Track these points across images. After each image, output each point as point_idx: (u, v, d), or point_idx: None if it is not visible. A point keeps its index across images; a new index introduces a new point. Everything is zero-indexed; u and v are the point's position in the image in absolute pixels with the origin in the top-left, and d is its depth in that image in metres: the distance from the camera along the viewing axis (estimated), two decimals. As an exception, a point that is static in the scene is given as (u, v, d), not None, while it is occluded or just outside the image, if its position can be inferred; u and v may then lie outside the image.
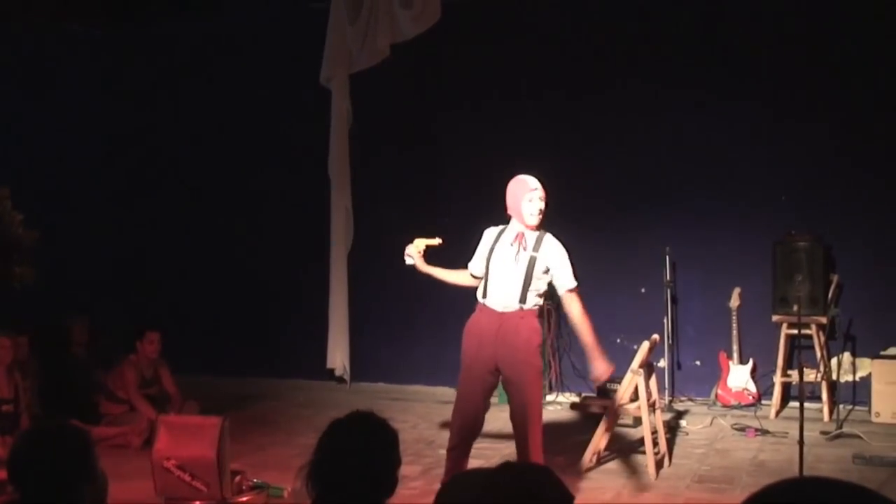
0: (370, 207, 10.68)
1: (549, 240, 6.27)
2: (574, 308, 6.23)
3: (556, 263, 6.19)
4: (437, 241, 6.46)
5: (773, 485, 1.49)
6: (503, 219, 10.33)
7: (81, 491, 3.12)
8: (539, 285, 6.19)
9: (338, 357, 10.87)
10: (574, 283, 6.23)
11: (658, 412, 7.83)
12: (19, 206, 8.67)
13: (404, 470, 6.81)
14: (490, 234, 6.44)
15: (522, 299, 6.12)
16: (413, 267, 6.50)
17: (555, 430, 9.00)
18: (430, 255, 6.51)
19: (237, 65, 11.42)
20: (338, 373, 10.91)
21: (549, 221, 10.37)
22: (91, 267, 11.44)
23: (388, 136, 10.83)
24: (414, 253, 6.47)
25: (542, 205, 6.34)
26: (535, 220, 6.24)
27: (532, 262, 6.16)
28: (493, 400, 6.50)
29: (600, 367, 6.26)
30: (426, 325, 10.43)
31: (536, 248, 6.21)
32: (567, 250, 6.29)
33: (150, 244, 11.68)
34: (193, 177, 11.63)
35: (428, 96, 10.76)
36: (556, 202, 10.36)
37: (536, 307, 6.20)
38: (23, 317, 9.24)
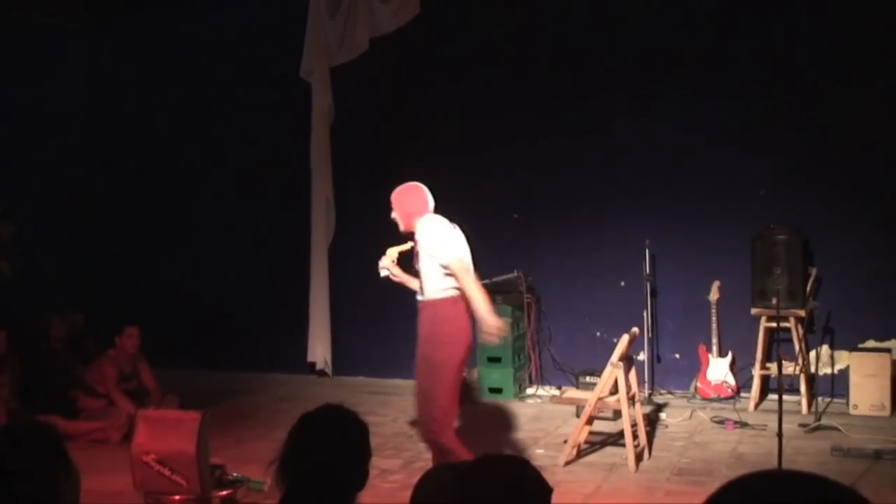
0: (351, 200, 10.67)
1: (420, 224, 6.29)
2: (459, 283, 6.17)
3: (429, 245, 6.18)
4: (408, 245, 6.43)
5: (744, 477, 1.49)
6: (483, 214, 10.40)
7: (57, 488, 3.09)
8: (432, 273, 6.20)
9: (319, 350, 10.85)
10: (447, 259, 6.13)
11: (638, 405, 7.83)
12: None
13: (384, 464, 6.83)
14: None
15: (422, 291, 6.24)
16: (388, 278, 6.50)
17: (535, 424, 9.01)
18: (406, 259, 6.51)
19: (218, 58, 11.37)
20: (319, 366, 10.88)
21: (531, 214, 10.41)
22: (69, 261, 11.38)
23: (368, 129, 10.80)
24: (388, 263, 6.48)
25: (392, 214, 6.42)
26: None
27: (418, 253, 6.25)
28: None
29: (491, 320, 6.12)
30: (408, 319, 10.36)
31: (418, 236, 6.28)
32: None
33: (129, 238, 11.62)
34: (172, 170, 11.58)
35: (408, 89, 10.74)
36: (537, 196, 10.42)
37: (442, 297, 6.18)
38: (1, 312, 9.19)
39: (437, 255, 6.14)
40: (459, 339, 6.23)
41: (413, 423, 6.55)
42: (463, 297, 6.26)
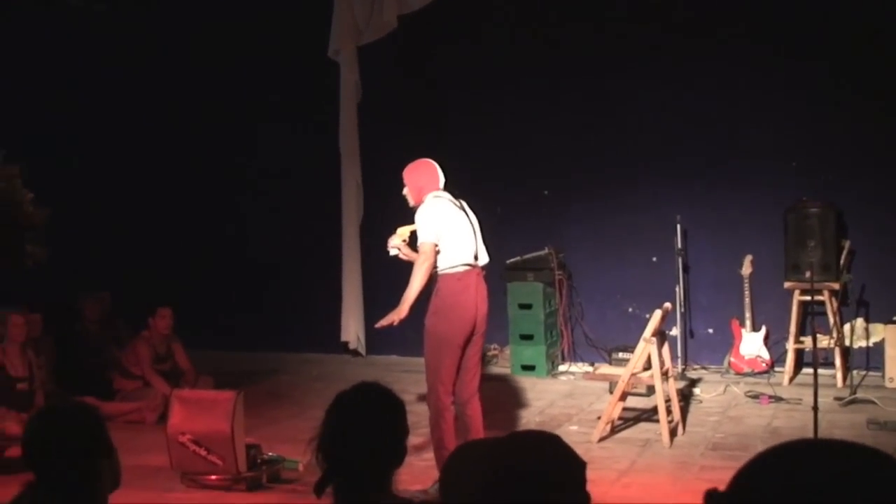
0: (382, 180, 10.63)
1: (422, 202, 6.52)
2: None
3: (417, 222, 6.47)
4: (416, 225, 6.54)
5: (782, 445, 1.48)
6: (513, 191, 10.38)
7: (98, 468, 3.13)
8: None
9: (352, 329, 10.88)
10: (420, 239, 6.42)
11: (671, 380, 7.83)
12: (29, 184, 8.67)
13: (418, 441, 6.85)
14: None
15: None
16: (397, 257, 6.62)
17: (568, 401, 9.02)
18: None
19: (245, 38, 11.36)
20: (352, 346, 10.92)
21: (561, 190, 10.38)
22: (103, 243, 11.45)
23: (396, 108, 10.78)
24: (398, 242, 6.60)
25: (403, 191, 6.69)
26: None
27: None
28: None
29: (400, 310, 6.47)
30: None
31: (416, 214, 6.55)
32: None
33: (162, 219, 11.66)
34: (204, 151, 11.60)
35: (437, 67, 10.70)
36: (567, 172, 10.38)
37: (446, 272, 6.41)
38: (36, 294, 9.27)
39: (418, 232, 6.41)
40: (461, 313, 6.39)
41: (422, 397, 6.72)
42: (471, 273, 6.38)
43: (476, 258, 6.48)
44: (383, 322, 6.55)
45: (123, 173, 11.69)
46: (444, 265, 6.37)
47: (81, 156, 11.62)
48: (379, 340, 10.80)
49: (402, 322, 6.55)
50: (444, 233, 6.36)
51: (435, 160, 6.66)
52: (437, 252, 6.35)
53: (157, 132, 11.68)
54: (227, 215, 11.54)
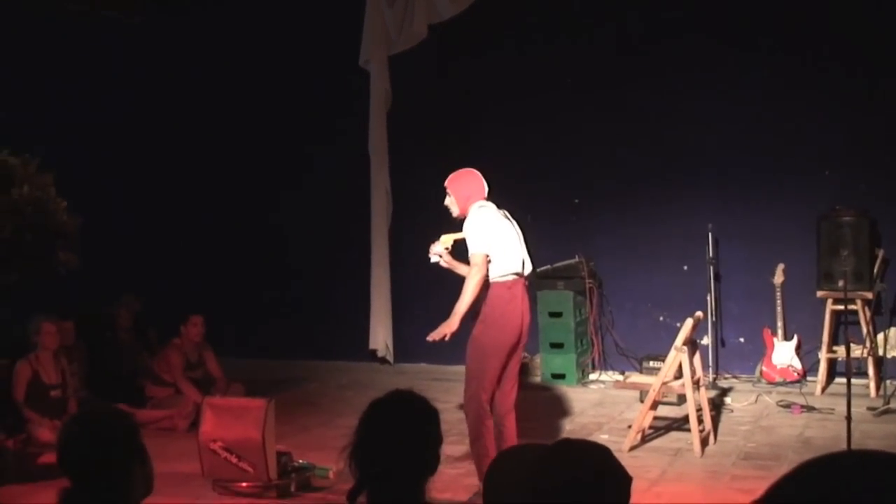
0: (410, 186, 10.66)
1: (469, 211, 6.44)
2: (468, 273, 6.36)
3: (467, 232, 6.38)
4: (462, 234, 6.45)
5: (818, 458, 1.46)
6: (543, 200, 10.36)
7: (132, 473, 3.15)
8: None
9: (380, 337, 10.90)
10: (471, 249, 6.33)
11: (702, 389, 7.79)
12: (62, 192, 8.73)
13: (450, 450, 6.84)
14: None
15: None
16: (437, 264, 6.57)
17: (598, 409, 8.99)
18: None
19: (277, 47, 11.41)
20: (380, 353, 10.93)
21: (592, 198, 10.36)
22: (135, 251, 11.52)
23: (425, 116, 10.79)
24: (441, 250, 6.54)
25: (446, 201, 6.56)
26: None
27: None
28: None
29: (451, 322, 6.38)
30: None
31: (465, 223, 6.46)
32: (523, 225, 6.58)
33: (194, 228, 11.72)
34: (233, 160, 11.66)
35: (467, 76, 10.71)
36: (597, 180, 10.36)
37: (496, 281, 6.35)
38: (68, 302, 9.33)
39: (468, 242, 6.32)
40: (509, 323, 6.34)
41: (461, 406, 6.66)
42: (519, 282, 6.35)
43: (523, 266, 6.46)
44: (435, 336, 6.43)
45: (156, 181, 11.77)
46: (494, 274, 6.32)
47: (116, 163, 11.69)
48: (408, 348, 10.82)
49: (431, 330, 6.52)
50: (494, 242, 6.32)
51: (465, 166, 6.63)
52: (489, 262, 6.30)
53: (189, 140, 11.75)
54: (258, 223, 11.58)
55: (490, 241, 6.29)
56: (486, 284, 6.30)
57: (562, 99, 10.38)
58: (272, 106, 11.49)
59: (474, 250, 6.27)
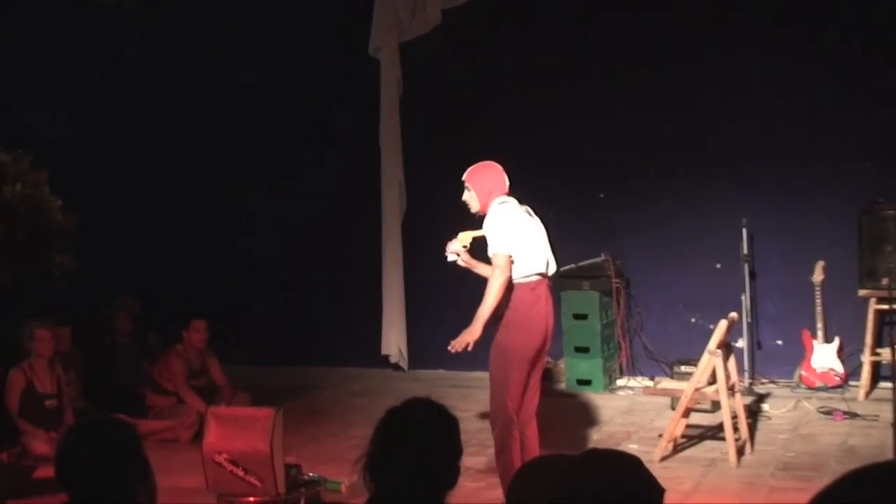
0: (423, 183, 10.66)
1: (490, 207, 6.37)
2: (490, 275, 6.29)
3: (487, 230, 6.30)
4: (482, 231, 6.38)
5: (862, 469, 1.45)
6: (566, 194, 10.34)
7: (134, 488, 3.15)
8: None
9: (393, 343, 10.90)
10: (492, 249, 6.23)
11: (738, 395, 7.77)
12: (57, 191, 8.75)
13: (469, 461, 6.83)
14: None
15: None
16: (455, 263, 6.53)
17: (627, 417, 8.97)
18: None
19: (284, 36, 11.43)
20: (393, 359, 10.93)
21: (618, 193, 10.34)
22: (134, 253, 11.54)
23: (439, 107, 10.79)
24: (459, 248, 6.50)
25: (464, 196, 6.47)
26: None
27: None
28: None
29: (473, 330, 6.29)
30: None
31: (485, 220, 6.39)
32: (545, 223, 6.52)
33: (196, 229, 11.74)
34: (239, 157, 11.67)
35: (483, 64, 10.70)
36: (624, 174, 10.34)
37: (519, 282, 6.28)
38: (64, 307, 9.35)
39: (489, 242, 6.24)
40: (534, 326, 6.30)
41: (485, 416, 6.63)
42: (543, 283, 6.32)
43: (547, 266, 6.43)
44: (457, 346, 6.34)
45: (156, 180, 11.79)
46: (517, 275, 6.24)
47: (112, 161, 11.72)
48: (423, 353, 10.81)
49: (448, 335, 6.49)
50: (516, 241, 6.25)
51: (481, 159, 6.59)
52: (512, 263, 6.24)
53: (190, 133, 11.76)
54: (263, 224, 11.59)
55: (513, 241, 6.23)
56: (508, 286, 6.24)
57: (587, 86, 10.36)
58: (276, 99, 11.50)
59: (496, 250, 6.20)
